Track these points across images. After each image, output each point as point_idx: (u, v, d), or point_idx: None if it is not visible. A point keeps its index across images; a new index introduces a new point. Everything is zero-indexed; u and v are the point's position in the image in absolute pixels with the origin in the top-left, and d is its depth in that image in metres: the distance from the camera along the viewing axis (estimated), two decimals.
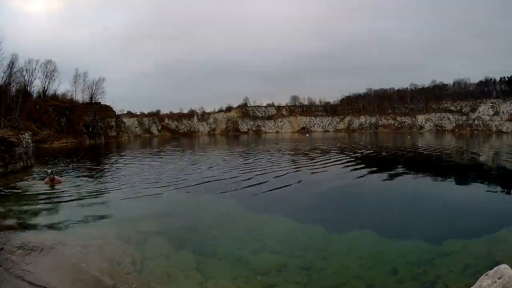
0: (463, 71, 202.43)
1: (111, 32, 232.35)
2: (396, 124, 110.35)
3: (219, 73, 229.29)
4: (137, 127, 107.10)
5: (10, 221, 11.65)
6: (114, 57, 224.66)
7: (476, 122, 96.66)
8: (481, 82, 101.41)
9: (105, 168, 28.44)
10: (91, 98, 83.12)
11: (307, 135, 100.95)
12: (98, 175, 24.17)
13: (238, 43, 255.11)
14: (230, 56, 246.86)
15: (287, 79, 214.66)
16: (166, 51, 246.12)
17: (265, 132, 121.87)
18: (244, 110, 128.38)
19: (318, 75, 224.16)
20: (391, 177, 20.83)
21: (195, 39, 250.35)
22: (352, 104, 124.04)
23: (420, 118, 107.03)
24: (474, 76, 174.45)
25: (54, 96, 75.04)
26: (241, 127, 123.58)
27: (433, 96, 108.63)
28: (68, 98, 78.95)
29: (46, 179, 18.71)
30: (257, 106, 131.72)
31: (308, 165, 28.17)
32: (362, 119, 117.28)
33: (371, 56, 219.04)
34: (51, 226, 11.30)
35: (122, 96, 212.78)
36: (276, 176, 21.29)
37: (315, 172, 23.74)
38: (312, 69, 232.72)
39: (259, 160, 32.14)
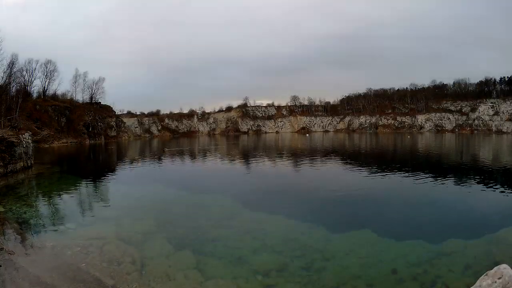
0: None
1: (87, 21, 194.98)
2: (396, 124, 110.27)
3: (216, 66, 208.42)
4: (137, 127, 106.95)
5: (10, 221, 11.65)
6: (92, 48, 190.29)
7: (476, 122, 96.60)
8: (481, 82, 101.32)
9: (105, 169, 28.42)
10: (91, 98, 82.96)
11: (307, 135, 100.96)
12: (98, 175, 24.17)
13: (239, 30, 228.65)
14: (229, 47, 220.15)
15: (292, 71, 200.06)
16: (155, 40, 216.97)
17: (265, 132, 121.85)
18: (244, 110, 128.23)
19: (325, 66, 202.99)
20: (391, 178, 20.82)
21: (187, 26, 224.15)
22: (352, 104, 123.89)
23: (420, 118, 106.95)
24: (476, 76, 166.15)
25: (54, 96, 74.92)
26: (241, 127, 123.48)
27: (433, 96, 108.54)
28: (68, 98, 78.85)
29: None
30: (257, 106, 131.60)
31: (310, 165, 28.15)
32: (362, 119, 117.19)
33: (388, 44, 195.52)
34: (51, 226, 11.31)
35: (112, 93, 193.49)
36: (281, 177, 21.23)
37: (316, 173, 23.74)
38: (321, 59, 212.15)
39: None
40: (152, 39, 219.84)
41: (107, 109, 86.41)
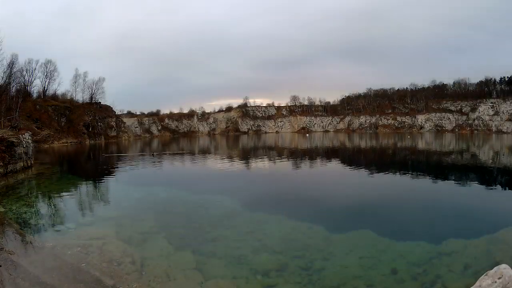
0: None
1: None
2: (396, 124, 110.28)
3: (210, 56, 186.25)
4: (137, 127, 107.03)
5: (10, 221, 11.65)
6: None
7: (476, 122, 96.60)
8: (481, 82, 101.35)
9: (106, 169, 28.42)
10: (91, 98, 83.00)
11: (307, 135, 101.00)
12: (98, 175, 24.17)
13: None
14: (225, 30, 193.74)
15: (294, 64, 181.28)
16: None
17: (265, 132, 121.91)
18: (244, 110, 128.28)
19: (333, 57, 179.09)
20: (391, 177, 20.83)
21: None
22: (352, 104, 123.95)
23: (420, 118, 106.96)
24: (474, 76, 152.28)
25: (54, 96, 74.95)
26: (241, 127, 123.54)
27: (433, 96, 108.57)
28: (68, 98, 78.89)
29: None
30: (257, 106, 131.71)
31: (309, 165, 28.15)
32: (362, 119, 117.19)
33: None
34: (51, 226, 11.31)
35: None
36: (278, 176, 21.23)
37: (315, 172, 23.73)
38: (329, 46, 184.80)
39: None
40: (129, 23, 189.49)
41: (107, 109, 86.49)
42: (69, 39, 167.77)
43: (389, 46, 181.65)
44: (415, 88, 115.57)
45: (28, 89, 69.15)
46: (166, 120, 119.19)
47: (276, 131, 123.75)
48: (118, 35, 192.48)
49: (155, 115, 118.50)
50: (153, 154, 38.12)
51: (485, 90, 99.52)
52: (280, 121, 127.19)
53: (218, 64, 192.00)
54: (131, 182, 20.34)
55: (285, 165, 28.91)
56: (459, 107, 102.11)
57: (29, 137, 26.83)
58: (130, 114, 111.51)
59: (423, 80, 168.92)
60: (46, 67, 72.90)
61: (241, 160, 34.03)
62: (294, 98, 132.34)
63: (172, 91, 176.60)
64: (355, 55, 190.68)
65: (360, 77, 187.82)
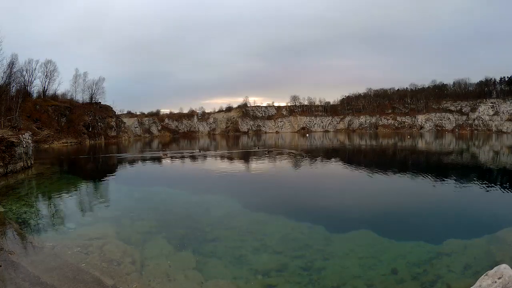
0: None
1: None
2: (396, 124, 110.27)
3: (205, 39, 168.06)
4: (137, 127, 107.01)
5: (10, 221, 11.65)
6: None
7: (476, 122, 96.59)
8: (481, 82, 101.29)
9: (106, 169, 28.41)
10: (91, 98, 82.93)
11: (307, 135, 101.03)
12: (98, 175, 24.16)
13: None
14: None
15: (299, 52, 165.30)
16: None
17: (265, 132, 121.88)
18: (244, 110, 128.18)
19: (349, 44, 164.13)
20: (391, 177, 20.82)
21: None
22: (352, 104, 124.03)
23: (420, 118, 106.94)
24: (474, 76, 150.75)
25: (54, 96, 74.83)
26: (241, 127, 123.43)
27: (433, 96, 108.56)
28: (68, 98, 78.81)
29: None
30: (257, 106, 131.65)
31: (310, 164, 28.15)
32: (362, 119, 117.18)
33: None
34: (51, 226, 11.31)
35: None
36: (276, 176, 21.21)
37: (315, 172, 23.72)
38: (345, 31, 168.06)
39: None
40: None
41: (107, 109, 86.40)
42: (27, 24, 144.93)
43: (414, 32, 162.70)
44: (415, 88, 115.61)
45: (28, 89, 69.06)
46: (166, 120, 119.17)
47: (276, 131, 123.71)
48: (81, 15, 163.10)
49: (155, 115, 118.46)
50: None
51: (485, 90, 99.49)
52: (280, 121, 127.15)
53: (211, 55, 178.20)
54: (131, 182, 20.34)
55: (284, 165, 28.90)
56: (459, 107, 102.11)
57: (29, 137, 26.82)
58: (130, 114, 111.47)
59: (423, 80, 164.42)
60: (46, 67, 72.87)
61: (241, 160, 34.01)
62: (294, 98, 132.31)
63: (166, 87, 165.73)
64: (372, 42, 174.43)
65: (371, 70, 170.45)
